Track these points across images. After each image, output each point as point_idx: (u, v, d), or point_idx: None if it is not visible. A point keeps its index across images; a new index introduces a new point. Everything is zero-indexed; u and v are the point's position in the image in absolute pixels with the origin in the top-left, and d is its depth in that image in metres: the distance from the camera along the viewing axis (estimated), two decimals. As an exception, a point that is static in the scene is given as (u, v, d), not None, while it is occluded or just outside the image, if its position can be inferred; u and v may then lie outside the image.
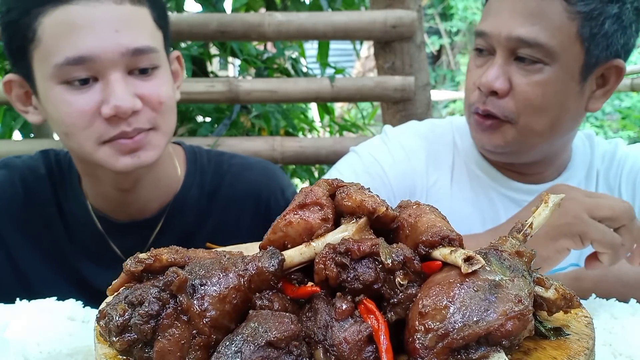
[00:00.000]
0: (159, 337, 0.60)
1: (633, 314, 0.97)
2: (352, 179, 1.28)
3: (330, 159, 2.55)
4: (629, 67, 1.37)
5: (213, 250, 0.78)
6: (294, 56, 3.24)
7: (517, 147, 1.34)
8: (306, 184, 3.32)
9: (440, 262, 0.64)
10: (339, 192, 0.72)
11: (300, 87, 2.54)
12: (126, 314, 0.61)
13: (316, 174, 3.22)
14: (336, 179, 0.75)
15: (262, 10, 3.07)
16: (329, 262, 0.63)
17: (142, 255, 0.68)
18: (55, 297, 1.06)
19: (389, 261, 0.62)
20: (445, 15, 12.13)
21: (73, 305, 1.02)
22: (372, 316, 0.60)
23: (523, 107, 1.28)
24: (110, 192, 1.35)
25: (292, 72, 3.14)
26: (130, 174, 1.27)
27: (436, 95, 9.51)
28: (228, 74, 5.76)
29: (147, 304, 0.60)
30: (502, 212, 1.42)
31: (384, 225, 0.70)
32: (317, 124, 3.71)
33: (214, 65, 3.40)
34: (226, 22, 2.46)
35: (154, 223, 1.41)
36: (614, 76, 1.32)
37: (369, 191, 0.72)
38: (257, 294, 0.63)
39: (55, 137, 2.54)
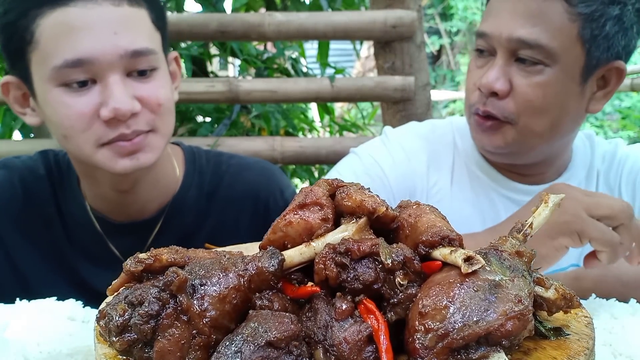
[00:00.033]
0: (159, 337, 0.60)
1: (633, 314, 0.97)
2: (351, 180, 1.27)
3: (330, 159, 2.55)
4: (629, 67, 1.37)
5: (213, 250, 0.78)
6: (294, 56, 3.24)
7: (517, 148, 1.34)
8: (306, 184, 3.32)
9: (440, 262, 0.64)
10: (339, 192, 0.72)
11: (300, 87, 2.54)
12: (126, 314, 0.61)
13: (316, 174, 3.23)
14: (336, 179, 0.75)
15: (262, 10, 3.07)
16: (329, 262, 0.63)
17: (142, 255, 0.68)
18: (55, 297, 1.06)
19: (389, 261, 0.62)
20: (445, 15, 12.13)
21: (73, 305, 1.02)
22: (372, 316, 0.60)
23: (523, 108, 1.28)
24: (109, 193, 1.35)
25: (292, 72, 3.14)
26: (129, 175, 1.27)
27: (436, 95, 9.51)
28: (228, 74, 5.77)
29: (147, 304, 0.60)
30: (503, 212, 1.42)
31: (384, 225, 0.70)
32: (317, 124, 3.71)
33: (214, 65, 3.41)
34: (226, 22, 2.46)
35: (153, 224, 1.41)
36: (615, 78, 1.32)
37: (369, 191, 0.72)
38: (257, 294, 0.63)
39: (55, 137, 2.53)
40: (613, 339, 0.88)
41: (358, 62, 10.05)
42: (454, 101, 10.44)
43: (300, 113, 3.40)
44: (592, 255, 1.12)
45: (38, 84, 1.22)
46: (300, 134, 3.38)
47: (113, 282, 0.71)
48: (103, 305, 0.68)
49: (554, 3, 1.23)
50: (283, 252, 0.66)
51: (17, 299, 1.05)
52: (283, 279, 0.66)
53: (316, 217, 0.69)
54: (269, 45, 3.51)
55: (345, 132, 3.56)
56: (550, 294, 0.65)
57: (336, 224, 0.70)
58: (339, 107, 6.33)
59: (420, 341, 0.57)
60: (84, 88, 1.19)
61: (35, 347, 0.87)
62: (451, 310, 0.57)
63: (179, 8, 2.81)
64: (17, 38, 1.20)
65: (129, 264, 0.68)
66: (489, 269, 0.61)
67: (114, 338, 0.61)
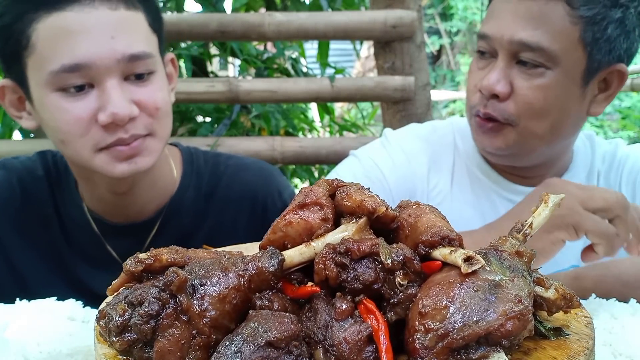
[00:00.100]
0: (159, 337, 0.60)
1: (633, 314, 0.97)
2: (351, 182, 1.28)
3: (330, 159, 2.55)
4: (630, 67, 1.37)
5: (213, 250, 0.78)
6: (294, 56, 3.25)
7: (518, 150, 1.34)
8: (306, 184, 3.32)
9: (440, 262, 0.64)
10: (339, 192, 0.72)
11: (300, 87, 2.54)
12: (126, 314, 0.61)
13: (316, 174, 3.23)
14: (336, 179, 0.75)
15: (262, 10, 3.08)
16: (329, 262, 0.63)
17: (142, 255, 0.68)
18: (55, 298, 1.06)
19: (389, 261, 0.62)
20: (445, 15, 12.13)
21: (73, 305, 1.02)
22: (372, 316, 0.60)
23: (524, 110, 1.28)
24: (106, 195, 1.35)
25: (292, 72, 3.14)
26: (127, 178, 1.27)
27: (436, 95, 9.51)
28: (228, 74, 5.77)
29: (147, 304, 0.60)
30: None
31: (384, 225, 0.70)
32: (317, 124, 3.71)
33: (214, 65, 3.41)
34: (226, 22, 2.46)
35: (151, 225, 1.40)
36: (617, 80, 1.32)
37: (369, 191, 0.72)
38: (257, 294, 0.63)
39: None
40: (613, 339, 0.88)
41: (358, 62, 10.05)
42: (454, 101, 10.44)
43: (300, 113, 3.40)
44: (589, 249, 1.13)
45: (34, 89, 1.21)
46: (300, 134, 3.38)
47: (113, 282, 0.71)
48: (103, 305, 0.68)
49: (556, 6, 1.23)
50: (283, 252, 0.66)
51: (17, 299, 1.05)
52: (283, 279, 0.66)
53: (316, 217, 0.69)
54: (269, 45, 3.51)
55: (345, 132, 3.57)
56: (550, 294, 0.65)
57: (336, 224, 0.70)
58: (339, 107, 6.33)
59: (420, 341, 0.57)
60: (81, 93, 1.18)
61: (35, 347, 0.87)
62: (451, 310, 0.57)
63: (179, 8, 2.81)
64: (13, 42, 1.19)
65: (129, 264, 0.68)
66: (489, 269, 0.61)
67: (114, 338, 0.61)
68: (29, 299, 1.04)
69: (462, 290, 0.59)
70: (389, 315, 0.62)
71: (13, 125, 2.84)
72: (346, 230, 0.67)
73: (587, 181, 1.48)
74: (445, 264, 0.64)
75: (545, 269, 0.75)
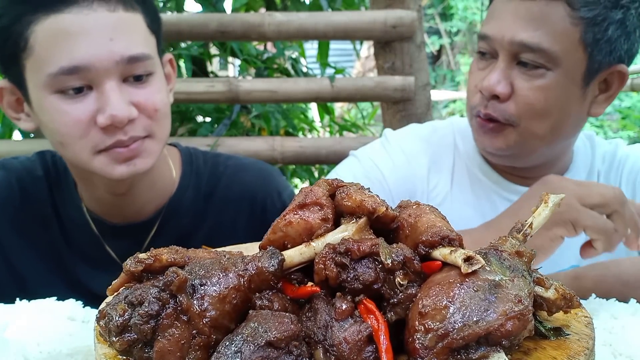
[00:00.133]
0: (159, 337, 0.60)
1: (633, 314, 0.97)
2: (351, 184, 1.28)
3: (330, 159, 2.55)
4: (630, 67, 1.37)
5: (213, 250, 0.78)
6: (294, 56, 3.25)
7: (519, 151, 1.34)
8: (306, 184, 3.32)
9: (440, 262, 0.64)
10: (339, 192, 0.72)
11: (300, 87, 2.54)
12: (126, 314, 0.61)
13: (316, 174, 3.23)
14: (336, 179, 0.75)
15: (262, 10, 3.08)
16: (329, 262, 0.63)
17: (142, 255, 0.68)
18: (55, 298, 1.06)
19: (389, 261, 0.62)
20: (445, 15, 12.13)
21: (73, 305, 1.02)
22: (372, 316, 0.60)
23: (524, 111, 1.28)
24: (105, 196, 1.35)
25: (292, 72, 3.14)
26: (126, 180, 1.27)
27: (436, 95, 9.52)
28: (228, 74, 5.77)
29: (147, 304, 0.60)
30: (504, 214, 1.42)
31: (384, 225, 0.70)
32: (317, 124, 3.71)
33: (214, 65, 3.41)
34: (226, 22, 2.46)
35: (150, 226, 1.40)
36: (617, 81, 1.32)
37: (369, 191, 0.72)
38: (257, 294, 0.63)
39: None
40: (613, 339, 0.88)
41: (358, 62, 10.05)
42: (454, 101, 10.44)
43: (300, 113, 3.40)
44: (588, 244, 1.13)
45: (33, 91, 1.21)
46: (300, 134, 3.38)
47: (113, 282, 0.71)
48: (103, 305, 0.68)
49: (557, 7, 1.23)
50: (283, 252, 0.66)
51: (17, 299, 1.05)
52: (283, 279, 0.66)
53: (316, 217, 0.69)
54: (269, 45, 3.51)
55: (345, 132, 3.57)
56: (550, 294, 0.65)
57: (336, 224, 0.70)
58: (339, 107, 6.33)
59: (420, 341, 0.57)
60: (79, 94, 1.18)
61: (35, 347, 0.87)
62: (451, 310, 0.57)
63: (179, 8, 2.81)
64: (11, 44, 1.18)
65: (129, 263, 0.68)
66: (489, 269, 0.61)
67: (114, 338, 0.61)
68: (29, 299, 1.04)
69: (462, 290, 0.59)
70: (389, 315, 0.62)
71: (13, 125, 2.84)
72: (346, 230, 0.67)
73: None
74: (445, 264, 0.64)
75: (545, 269, 0.75)
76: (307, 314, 0.63)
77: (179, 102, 2.66)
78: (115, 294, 0.68)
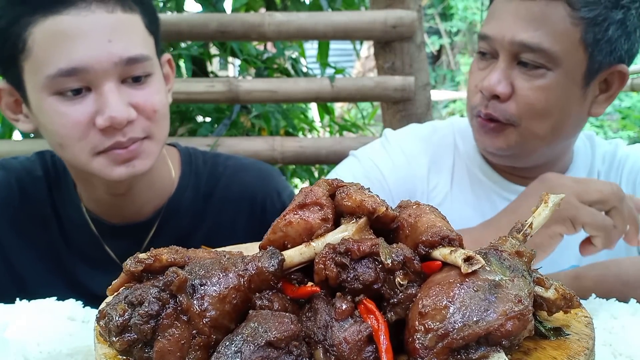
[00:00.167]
0: (159, 337, 0.60)
1: (633, 314, 0.97)
2: (350, 184, 1.28)
3: (330, 159, 2.55)
4: (630, 67, 1.37)
5: (213, 250, 0.78)
6: (294, 56, 3.25)
7: (519, 151, 1.34)
8: (306, 184, 3.32)
9: (440, 262, 0.64)
10: (339, 192, 0.72)
11: (300, 87, 2.54)
12: (126, 314, 0.61)
13: (316, 174, 3.23)
14: (336, 179, 0.75)
15: (262, 10, 3.08)
16: (329, 262, 0.63)
17: (142, 255, 0.68)
18: (55, 298, 1.06)
19: (389, 261, 0.62)
20: (445, 15, 12.13)
21: (73, 305, 1.02)
22: (372, 316, 0.60)
23: (525, 111, 1.28)
24: (104, 196, 1.35)
25: (292, 72, 3.14)
26: (125, 180, 1.27)
27: (436, 95, 9.52)
28: (228, 74, 5.77)
29: (147, 304, 0.60)
30: (504, 215, 1.42)
31: (384, 225, 0.70)
32: (317, 124, 3.71)
33: (214, 65, 3.41)
34: (226, 22, 2.46)
35: (149, 226, 1.40)
36: (617, 81, 1.32)
37: (369, 191, 0.72)
38: (257, 294, 0.63)
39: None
40: (613, 339, 0.88)
41: (358, 62, 10.05)
42: (454, 101, 10.44)
43: (300, 113, 3.40)
44: (587, 241, 1.13)
45: (31, 92, 1.21)
46: (300, 134, 3.38)
47: (113, 282, 0.71)
48: (103, 305, 0.68)
49: (557, 7, 1.23)
50: (283, 252, 0.66)
51: (17, 299, 1.05)
52: (283, 279, 0.66)
53: (316, 217, 0.69)
54: (269, 45, 3.51)
55: (345, 132, 3.57)
56: (550, 294, 0.65)
57: (336, 224, 0.70)
58: (339, 107, 6.33)
59: (420, 341, 0.57)
60: (78, 96, 1.18)
61: (35, 347, 0.87)
62: (451, 310, 0.57)
63: (179, 8, 2.81)
64: (9, 45, 1.18)
65: (129, 263, 0.68)
66: (489, 269, 0.61)
67: (114, 338, 0.61)
68: (29, 299, 1.04)
69: (462, 290, 0.59)
70: (389, 315, 0.62)
71: (13, 125, 2.83)
72: (346, 230, 0.67)
73: (587, 181, 1.48)
74: (445, 264, 0.64)
75: (545, 268, 0.75)
76: (307, 314, 0.63)
77: (179, 102, 2.66)
78: (115, 294, 0.68)
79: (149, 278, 0.68)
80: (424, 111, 2.63)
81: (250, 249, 0.89)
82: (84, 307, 1.03)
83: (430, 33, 11.88)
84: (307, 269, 0.68)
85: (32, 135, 2.85)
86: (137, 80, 1.22)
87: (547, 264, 1.11)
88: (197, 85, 2.48)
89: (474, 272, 0.60)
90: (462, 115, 1.58)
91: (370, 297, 0.62)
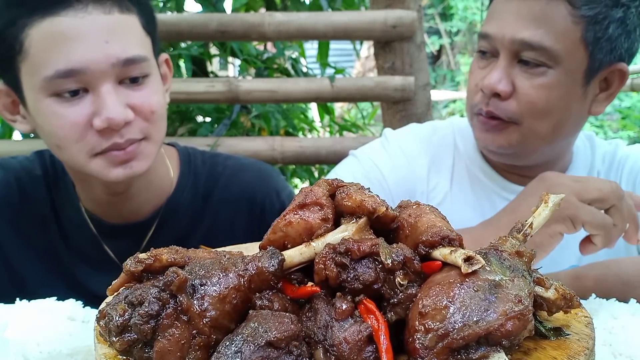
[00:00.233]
0: (159, 337, 0.60)
1: (633, 314, 0.97)
2: (350, 183, 1.28)
3: (330, 159, 2.55)
4: (630, 67, 1.38)
5: (213, 250, 0.78)
6: (294, 56, 3.24)
7: (520, 150, 1.34)
8: (306, 184, 3.32)
9: (440, 262, 0.64)
10: (339, 192, 0.72)
11: (300, 87, 2.54)
12: (126, 314, 0.61)
13: (316, 174, 3.23)
14: (336, 179, 0.75)
15: (262, 10, 3.07)
16: (329, 262, 0.63)
17: (142, 255, 0.68)
18: (55, 298, 1.06)
19: (389, 261, 0.62)
20: (445, 15, 12.13)
21: (73, 305, 1.02)
22: (372, 316, 0.60)
23: (526, 110, 1.28)
24: (103, 196, 1.35)
25: (292, 72, 3.14)
26: (122, 181, 1.27)
27: (436, 95, 9.51)
28: (228, 74, 5.76)
29: (147, 304, 0.60)
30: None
31: (384, 225, 0.70)
32: (317, 124, 3.71)
33: (214, 65, 3.40)
34: (226, 22, 2.46)
35: (148, 226, 1.40)
36: (617, 80, 1.32)
37: (369, 191, 0.72)
38: (257, 294, 0.63)
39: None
40: (613, 339, 0.88)
41: (358, 62, 10.05)
42: (454, 101, 10.44)
43: (300, 113, 3.40)
44: (587, 240, 1.13)
45: (29, 93, 1.21)
46: (300, 134, 3.38)
47: (113, 282, 0.71)
48: (103, 305, 0.68)
49: (558, 5, 1.23)
50: (283, 252, 0.66)
51: (17, 299, 1.05)
52: (283, 279, 0.66)
53: (316, 217, 0.69)
54: (269, 45, 3.51)
55: (345, 132, 3.56)
56: (550, 294, 0.65)
57: (336, 224, 0.70)
58: (339, 107, 6.33)
59: (420, 341, 0.57)
60: (75, 97, 1.17)
61: (35, 347, 0.87)
62: (451, 310, 0.57)
63: (179, 8, 2.81)
64: (6, 47, 1.18)
65: (129, 264, 0.68)
66: (489, 269, 0.61)
67: (114, 338, 0.61)
68: (28, 299, 1.04)
69: (462, 290, 0.59)
70: (389, 315, 0.62)
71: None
72: (346, 230, 0.67)
73: (587, 181, 1.48)
74: (445, 264, 0.64)
75: (545, 268, 0.75)
76: (307, 314, 0.63)
77: (179, 102, 2.66)
78: (115, 294, 0.68)
79: (149, 278, 0.68)
80: (424, 111, 2.63)
81: (250, 249, 0.89)
82: (84, 307, 1.03)
83: (430, 33, 11.88)
84: (307, 269, 0.68)
85: (32, 135, 2.86)
86: (134, 81, 1.22)
87: (547, 264, 1.11)
88: (197, 85, 2.48)
89: (474, 272, 0.60)
90: (462, 115, 1.58)
91: (370, 297, 0.62)
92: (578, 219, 1.08)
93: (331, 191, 0.73)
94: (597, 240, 1.10)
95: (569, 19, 1.23)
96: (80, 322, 0.98)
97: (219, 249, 0.83)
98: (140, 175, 1.27)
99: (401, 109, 2.60)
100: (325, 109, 3.34)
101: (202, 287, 0.62)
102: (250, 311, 0.62)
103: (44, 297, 1.04)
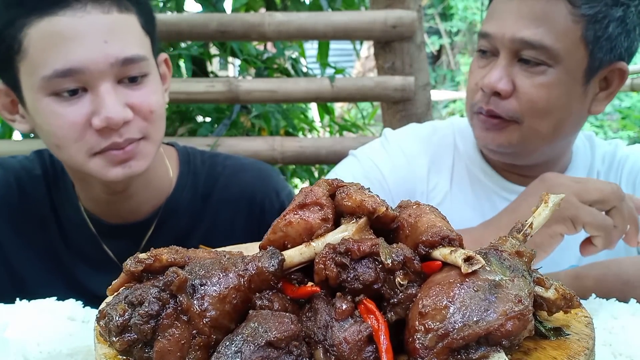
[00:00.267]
0: (159, 337, 0.60)
1: (633, 314, 0.97)
2: (350, 183, 1.28)
3: (330, 159, 2.55)
4: (630, 67, 1.38)
5: (213, 250, 0.78)
6: (294, 56, 3.24)
7: (520, 149, 1.34)
8: (306, 184, 3.32)
9: (440, 262, 0.64)
10: (339, 192, 0.72)
11: (300, 87, 2.54)
12: (126, 314, 0.61)
13: (316, 174, 3.23)
14: (336, 179, 0.75)
15: (262, 10, 3.08)
16: (329, 262, 0.63)
17: (142, 255, 0.68)
18: (55, 298, 1.06)
19: (389, 261, 0.62)
20: (445, 15, 12.13)
21: (73, 305, 1.02)
22: (372, 316, 0.60)
23: (527, 108, 1.28)
24: (102, 196, 1.35)
25: (292, 72, 3.14)
26: (121, 181, 1.27)
27: (436, 95, 9.51)
28: (228, 74, 5.76)
29: (147, 304, 0.60)
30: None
31: (384, 225, 0.70)
32: (317, 124, 3.71)
33: (214, 65, 3.40)
34: (226, 22, 2.46)
35: (147, 225, 1.40)
36: (617, 79, 1.33)
37: (369, 191, 0.72)
38: (257, 294, 0.63)
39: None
40: (613, 339, 0.88)
41: (358, 62, 10.05)
42: (454, 101, 10.44)
43: (300, 113, 3.40)
44: (587, 242, 1.13)
45: (27, 93, 1.21)
46: (300, 134, 3.38)
47: (113, 282, 0.71)
48: (103, 305, 0.68)
49: (558, 4, 1.23)
50: (283, 252, 0.66)
51: (17, 299, 1.05)
52: (283, 279, 0.66)
53: (316, 217, 0.69)
54: (269, 45, 3.51)
55: (345, 132, 3.57)
56: (550, 294, 0.65)
57: (336, 224, 0.70)
58: (339, 107, 6.33)
59: (420, 341, 0.57)
60: (74, 97, 1.17)
61: (35, 347, 0.87)
62: (451, 310, 0.57)
63: (179, 8, 2.81)
64: (5, 47, 1.18)
65: (129, 263, 0.68)
66: (489, 269, 0.61)
67: (114, 338, 0.61)
68: (28, 299, 1.04)
69: (462, 290, 0.59)
70: (389, 315, 0.62)
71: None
72: (346, 230, 0.67)
73: (587, 181, 1.48)
74: (445, 264, 0.64)
75: (545, 268, 0.75)
76: (307, 314, 0.63)
77: (179, 102, 2.66)
78: (115, 294, 0.68)
79: (149, 278, 0.68)
80: (424, 111, 2.63)
81: (250, 249, 0.89)
82: (84, 307, 1.03)
83: (430, 33, 11.88)
84: (307, 269, 0.68)
85: (32, 135, 2.86)
86: (133, 80, 1.22)
87: (547, 264, 1.11)
88: (197, 85, 2.48)
89: (474, 272, 0.60)
90: (462, 115, 1.58)
91: (370, 297, 0.62)
92: (579, 220, 1.08)
93: (331, 191, 0.73)
94: (598, 241, 1.10)
95: (569, 17, 1.23)
96: (80, 322, 0.98)
97: (219, 249, 0.83)
98: (139, 175, 1.27)
99: (401, 109, 2.60)
100: (325, 109, 3.35)
101: (202, 287, 0.62)
102: (250, 311, 0.62)
103: (44, 297, 1.04)
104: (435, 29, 12.11)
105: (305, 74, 3.25)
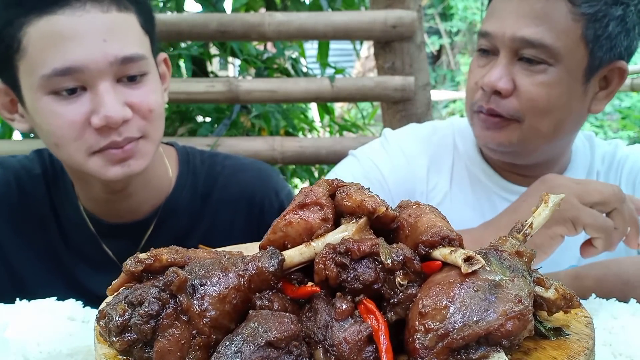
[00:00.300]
0: (159, 337, 0.60)
1: (633, 314, 0.97)
2: (350, 183, 1.28)
3: (330, 159, 2.55)
4: (630, 67, 1.38)
5: (213, 250, 0.78)
6: (294, 56, 3.25)
7: (520, 148, 1.34)
8: (306, 184, 3.32)
9: (440, 262, 0.64)
10: (339, 192, 0.72)
11: (300, 87, 2.54)
12: (126, 314, 0.61)
13: (316, 174, 3.23)
14: (336, 179, 0.75)
15: (262, 10, 3.08)
16: (329, 262, 0.63)
17: (142, 255, 0.68)
18: (55, 297, 1.06)
19: (389, 261, 0.62)
20: (445, 15, 12.13)
21: (73, 305, 1.02)
22: (372, 316, 0.60)
23: (528, 107, 1.28)
24: (101, 195, 1.35)
25: (292, 72, 3.14)
26: (120, 180, 1.27)
27: (436, 95, 9.51)
28: (228, 74, 5.76)
29: (147, 304, 0.60)
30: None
31: (384, 225, 0.70)
32: (317, 124, 3.71)
33: (214, 65, 3.41)
34: (226, 22, 2.46)
35: (146, 225, 1.40)
36: (617, 78, 1.33)
37: (369, 191, 0.72)
38: (257, 294, 0.63)
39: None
40: (613, 339, 0.88)
41: (358, 62, 10.05)
42: (454, 101, 10.44)
43: (300, 113, 3.40)
44: (588, 243, 1.13)
45: (27, 92, 1.21)
46: (300, 134, 3.38)
47: (113, 282, 0.71)
48: (103, 305, 0.68)
49: (558, 3, 1.23)
50: (283, 252, 0.66)
51: (17, 299, 1.05)
52: (283, 279, 0.66)
53: (316, 217, 0.69)
54: (269, 45, 3.51)
55: (345, 132, 3.57)
56: (550, 294, 0.65)
57: (336, 224, 0.70)
58: (339, 107, 6.33)
59: (420, 341, 0.57)
60: (73, 96, 1.17)
61: (35, 347, 0.87)
62: (451, 310, 0.57)
63: (179, 8, 2.81)
64: (4, 46, 1.18)
65: (129, 263, 0.68)
66: (489, 269, 0.61)
67: (114, 338, 0.61)
68: (28, 299, 1.04)
69: (462, 290, 0.59)
70: (389, 315, 0.62)
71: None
72: (346, 230, 0.67)
73: (586, 181, 1.48)
74: (445, 264, 0.64)
75: (545, 269, 0.75)
76: (307, 314, 0.63)
77: (179, 102, 2.66)
78: (115, 294, 0.68)
79: (149, 278, 0.68)
80: (424, 111, 2.63)
81: (250, 249, 0.89)
82: (84, 307, 1.03)
83: (430, 33, 11.88)
84: (307, 269, 0.68)
85: (31, 135, 2.85)
86: (132, 79, 1.22)
87: (547, 264, 1.11)
88: (197, 85, 2.48)
89: (474, 272, 0.60)
90: (462, 115, 1.57)
91: (370, 297, 0.62)
92: (579, 221, 1.08)
93: (331, 191, 0.73)
94: (598, 243, 1.10)
95: (569, 16, 1.23)
96: (80, 322, 0.98)
97: (218, 249, 0.83)
98: (138, 174, 1.27)
99: (401, 109, 2.60)
100: (325, 109, 3.35)
101: (202, 287, 0.62)
102: (250, 311, 0.62)
103: (44, 297, 1.04)
104: (435, 29, 12.11)
105: (305, 74, 3.25)
